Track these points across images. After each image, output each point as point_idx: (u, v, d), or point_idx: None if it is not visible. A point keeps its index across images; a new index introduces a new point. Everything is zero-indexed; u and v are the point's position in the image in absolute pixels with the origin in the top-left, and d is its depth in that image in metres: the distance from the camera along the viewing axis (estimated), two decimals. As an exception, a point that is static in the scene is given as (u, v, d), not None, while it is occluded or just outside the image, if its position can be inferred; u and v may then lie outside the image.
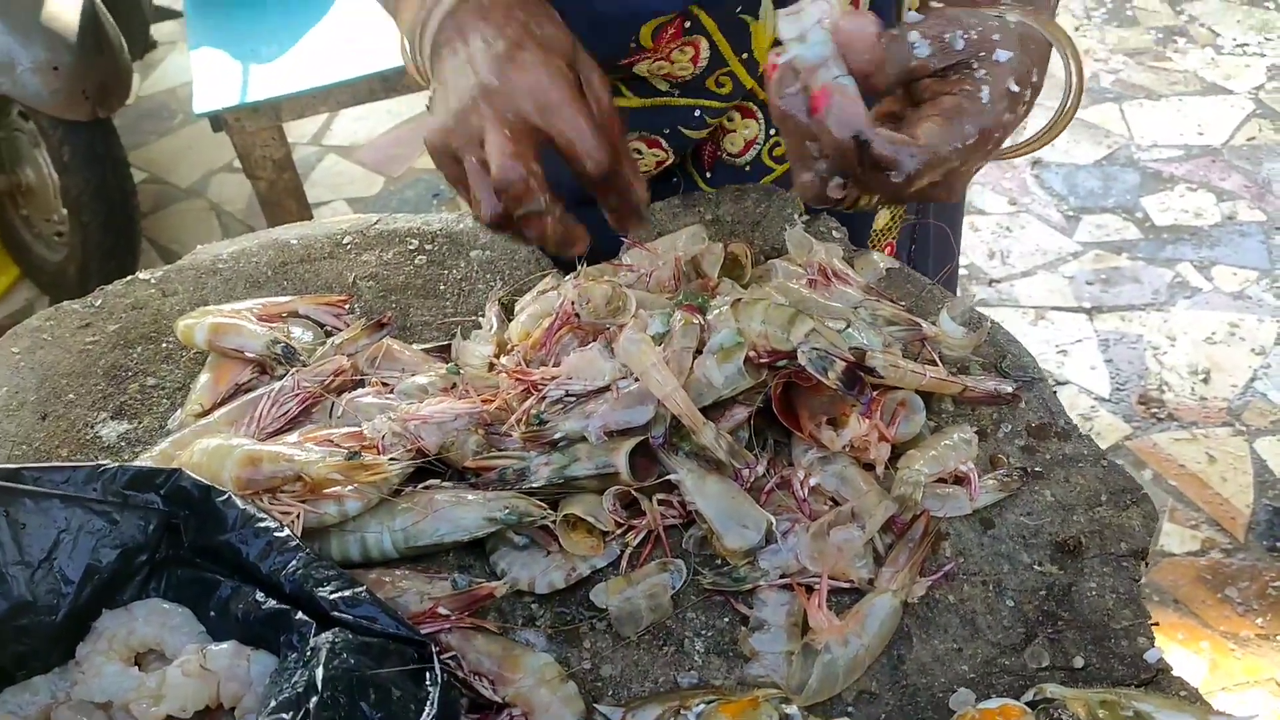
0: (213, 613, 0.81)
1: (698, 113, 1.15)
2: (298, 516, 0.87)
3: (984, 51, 0.79)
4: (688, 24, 1.07)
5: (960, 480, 0.92)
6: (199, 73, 2.50)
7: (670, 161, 1.21)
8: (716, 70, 1.12)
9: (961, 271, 2.98)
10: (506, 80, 0.86)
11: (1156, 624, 0.84)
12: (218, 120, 2.44)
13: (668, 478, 0.90)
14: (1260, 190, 3.15)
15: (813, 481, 0.90)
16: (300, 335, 1.06)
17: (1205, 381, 2.65)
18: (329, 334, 1.09)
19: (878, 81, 0.77)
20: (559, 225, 0.88)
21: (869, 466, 0.92)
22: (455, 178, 0.90)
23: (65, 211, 2.91)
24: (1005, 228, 3.12)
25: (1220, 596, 2.23)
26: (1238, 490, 2.42)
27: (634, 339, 0.91)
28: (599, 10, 1.03)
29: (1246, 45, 3.71)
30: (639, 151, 1.20)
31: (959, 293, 1.31)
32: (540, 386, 0.94)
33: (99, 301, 1.17)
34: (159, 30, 3.72)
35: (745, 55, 1.12)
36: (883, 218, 1.28)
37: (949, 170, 0.79)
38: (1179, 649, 2.15)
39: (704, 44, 1.10)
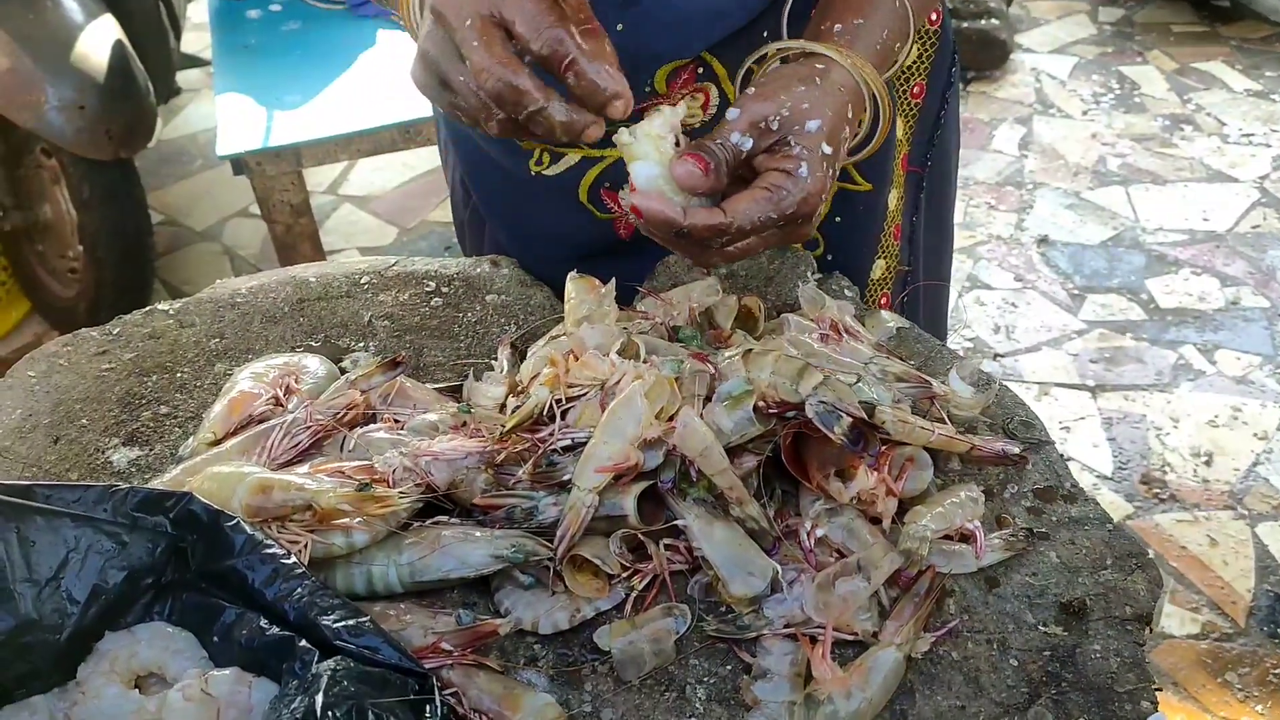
0: (216, 638, 0.81)
1: None
2: (305, 546, 0.87)
3: (797, 125, 0.90)
4: (700, 70, 1.10)
5: (966, 538, 0.92)
6: (224, 116, 2.54)
7: None
8: None
9: (966, 344, 2.99)
10: None
11: (1160, 689, 0.84)
12: (239, 163, 2.47)
13: (675, 523, 0.91)
14: (1264, 278, 3.17)
15: (819, 532, 0.91)
16: (315, 369, 1.07)
17: (1208, 464, 2.65)
18: (343, 370, 1.10)
19: (719, 187, 0.89)
20: (564, 116, 0.84)
21: (876, 520, 0.92)
22: (449, 105, 0.87)
23: (81, 249, 2.93)
24: (1011, 303, 3.14)
25: (1220, 681, 2.21)
26: (1239, 575, 2.41)
27: (693, 422, 0.91)
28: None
29: (1252, 135, 3.77)
30: None
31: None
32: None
33: (117, 330, 1.18)
34: (185, 77, 3.78)
35: None
36: (879, 268, 1.30)
37: (780, 228, 0.89)
38: (1178, 732, 2.12)
39: (714, 91, 1.12)
